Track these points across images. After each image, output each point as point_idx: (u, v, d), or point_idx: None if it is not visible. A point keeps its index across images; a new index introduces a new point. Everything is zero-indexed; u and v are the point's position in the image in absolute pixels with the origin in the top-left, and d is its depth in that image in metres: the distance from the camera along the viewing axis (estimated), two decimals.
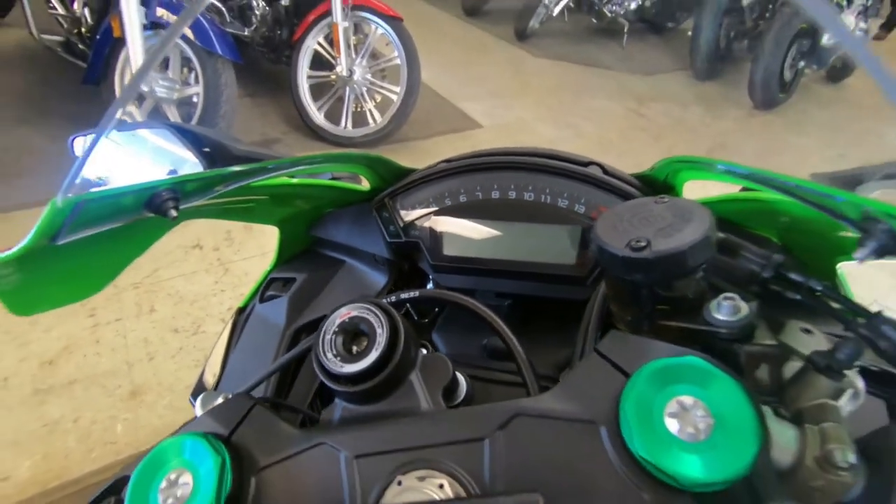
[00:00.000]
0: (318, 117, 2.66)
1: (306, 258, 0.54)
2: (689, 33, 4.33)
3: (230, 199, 0.42)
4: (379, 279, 0.47)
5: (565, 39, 5.03)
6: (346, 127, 2.67)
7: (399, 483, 0.22)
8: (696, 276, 0.29)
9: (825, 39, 3.66)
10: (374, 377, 0.25)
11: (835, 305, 0.27)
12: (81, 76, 2.36)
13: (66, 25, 2.63)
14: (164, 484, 0.23)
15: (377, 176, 0.50)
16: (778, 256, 0.29)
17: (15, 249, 0.28)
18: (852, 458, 0.22)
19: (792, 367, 0.27)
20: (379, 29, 2.58)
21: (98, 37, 2.28)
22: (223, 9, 2.68)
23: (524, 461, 0.22)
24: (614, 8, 4.83)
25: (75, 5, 2.55)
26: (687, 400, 0.21)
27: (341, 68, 2.55)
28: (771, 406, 0.25)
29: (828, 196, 0.29)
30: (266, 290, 0.50)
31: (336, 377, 0.25)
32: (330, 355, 0.26)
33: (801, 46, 3.62)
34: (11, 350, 1.48)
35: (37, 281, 0.32)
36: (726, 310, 0.27)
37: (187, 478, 0.23)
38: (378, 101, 2.73)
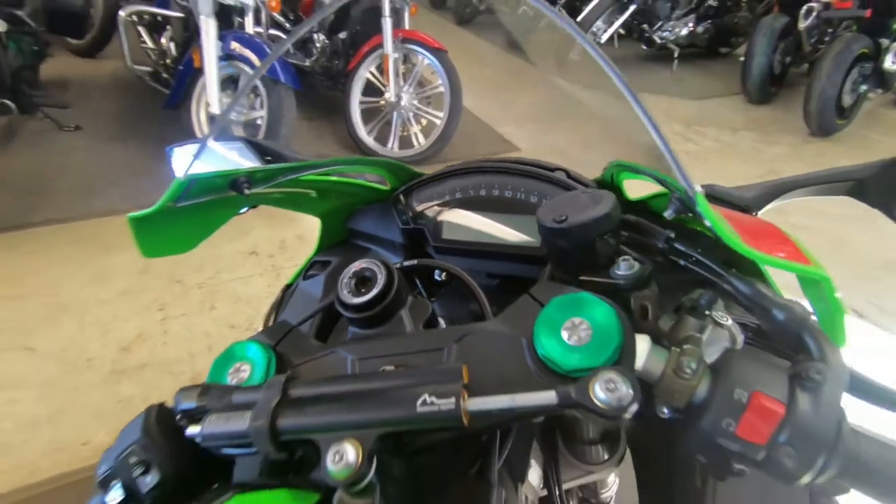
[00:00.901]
0: (368, 139, 2.87)
1: (342, 246, 0.67)
2: (742, 58, 4.28)
3: (285, 190, 0.55)
4: (395, 261, 0.59)
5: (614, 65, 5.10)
6: (392, 148, 2.86)
7: (383, 371, 0.33)
8: (608, 243, 0.39)
9: (888, 63, 3.53)
10: (373, 308, 0.36)
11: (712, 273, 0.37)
12: (164, 101, 2.68)
13: (153, 57, 2.99)
14: (231, 370, 0.36)
15: (396, 178, 0.62)
16: (668, 232, 0.39)
17: (150, 209, 0.42)
18: (694, 366, 0.31)
19: (670, 310, 0.37)
20: (425, 59, 2.77)
21: (181, 67, 2.59)
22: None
23: (468, 362, 0.32)
24: (665, 34, 4.85)
25: (163, 40, 2.91)
26: (577, 320, 0.31)
27: (390, 95, 2.75)
28: (651, 337, 0.34)
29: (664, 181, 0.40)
30: (308, 270, 0.63)
31: (348, 306, 0.37)
32: (345, 292, 0.37)
33: (863, 70, 3.51)
34: (96, 336, 1.71)
35: (161, 232, 0.47)
36: (623, 268, 0.37)
37: (247, 367, 0.35)
38: (423, 124, 2.91)
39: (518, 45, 5.30)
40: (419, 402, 0.29)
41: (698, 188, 0.35)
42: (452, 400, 0.29)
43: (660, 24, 4.86)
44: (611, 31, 4.72)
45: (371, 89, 2.87)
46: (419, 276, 0.54)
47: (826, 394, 0.29)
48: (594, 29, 4.70)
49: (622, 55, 5.28)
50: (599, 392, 0.28)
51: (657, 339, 0.34)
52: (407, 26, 2.84)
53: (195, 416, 0.32)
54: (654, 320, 0.36)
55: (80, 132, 2.75)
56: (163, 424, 0.34)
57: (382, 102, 2.81)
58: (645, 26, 4.89)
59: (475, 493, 0.36)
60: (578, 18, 4.77)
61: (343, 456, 0.28)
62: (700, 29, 4.97)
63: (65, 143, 2.74)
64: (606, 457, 0.52)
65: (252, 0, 2.51)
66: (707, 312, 0.36)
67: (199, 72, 2.44)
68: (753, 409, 0.29)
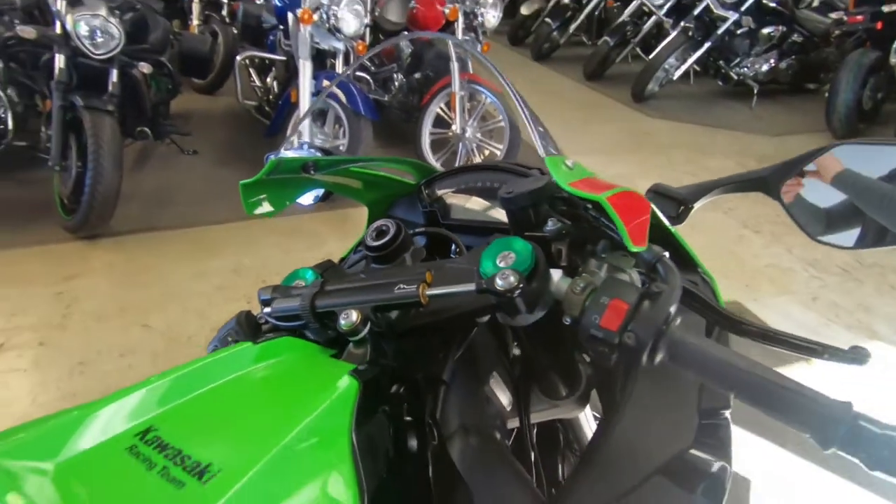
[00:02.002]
0: (437, 167, 3.14)
1: None
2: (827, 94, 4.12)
3: (338, 180, 0.74)
4: (420, 241, 0.78)
5: (687, 101, 5.06)
6: None
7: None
8: (540, 210, 0.53)
9: None
10: (386, 249, 0.53)
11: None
12: (265, 131, 3.14)
13: (259, 94, 3.51)
14: (294, 283, 0.54)
15: (420, 173, 0.81)
16: (589, 206, 0.53)
17: (253, 178, 0.62)
18: (583, 285, 0.44)
19: (586, 254, 0.51)
20: (488, 98, 3.02)
21: (280, 102, 3.04)
22: (370, 80, 3.36)
23: (435, 276, 0.48)
24: (743, 70, 4.77)
25: (268, 79, 3.41)
26: (507, 252, 0.46)
27: (456, 128, 3.01)
28: (563, 270, 0.48)
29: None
30: (357, 248, 0.80)
31: (369, 248, 0.54)
32: (369, 239, 0.55)
33: None
34: (195, 319, 2.06)
35: (258, 197, 0.67)
36: (549, 224, 0.52)
37: (301, 282, 0.54)
38: (485, 154, 3.14)
39: (596, 77, 5.43)
40: (395, 288, 0.47)
41: (543, 153, 0.50)
42: (415, 287, 0.46)
43: (738, 60, 4.79)
44: (684, 67, 4.73)
45: (440, 122, 3.16)
46: (437, 249, 0.71)
47: (661, 300, 0.41)
48: (666, 66, 4.73)
49: (697, 91, 5.23)
50: (499, 280, 0.44)
51: (567, 273, 0.50)
52: (470, 70, 3.12)
53: (268, 303, 0.53)
54: (567, 260, 0.52)
55: (198, 156, 3.27)
56: (247, 320, 0.56)
57: (450, 134, 3.09)
58: (721, 63, 4.84)
59: (432, 382, 0.54)
60: (651, 56, 4.84)
61: (349, 316, 0.47)
62: (783, 65, 4.83)
63: (185, 164, 3.26)
64: (565, 393, 0.65)
65: (343, 45, 2.90)
66: (603, 256, 0.51)
67: (295, 106, 2.85)
68: (611, 308, 0.43)
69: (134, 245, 2.54)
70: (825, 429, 0.35)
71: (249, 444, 0.37)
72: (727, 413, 0.53)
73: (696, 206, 0.68)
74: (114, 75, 2.47)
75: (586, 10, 5.85)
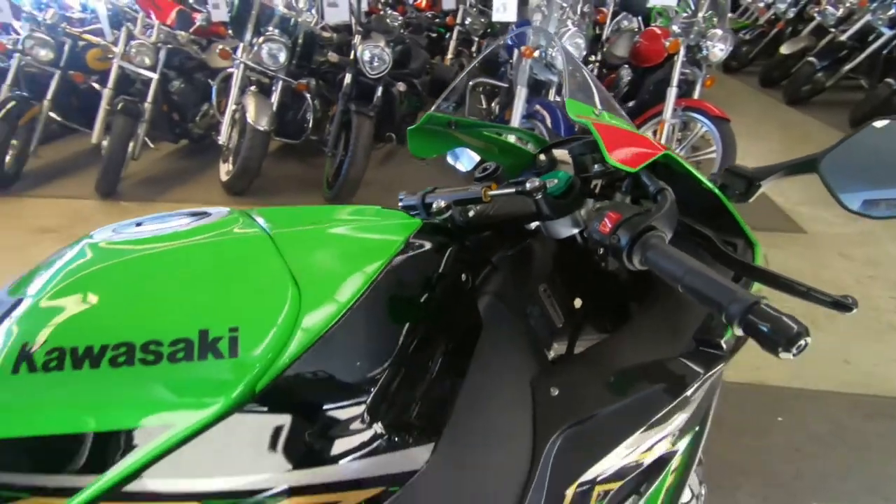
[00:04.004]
0: None
1: None
2: None
3: (474, 140, 0.89)
4: None
5: None
6: None
7: None
8: (590, 157, 0.67)
9: None
10: (488, 180, 0.76)
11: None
12: None
13: (483, 114, 4.06)
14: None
15: (538, 143, 0.95)
16: (599, 165, 0.67)
17: (414, 126, 0.84)
18: (597, 206, 0.60)
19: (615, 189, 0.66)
20: (704, 127, 2.91)
21: (498, 121, 3.49)
22: None
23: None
24: None
25: (493, 103, 3.93)
26: (554, 179, 0.62)
27: None
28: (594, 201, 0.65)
29: None
30: None
31: (476, 179, 0.78)
32: (477, 173, 0.80)
33: None
34: None
35: (419, 143, 0.85)
36: (595, 168, 0.66)
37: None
38: None
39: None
40: (470, 187, 0.70)
41: (567, 96, 0.64)
42: (480, 188, 0.68)
43: None
44: None
45: None
46: None
47: (645, 215, 0.54)
48: None
49: None
50: (528, 185, 0.63)
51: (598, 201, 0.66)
52: (695, 95, 3.05)
53: (401, 200, 0.81)
54: (601, 192, 0.67)
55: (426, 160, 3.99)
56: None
57: None
58: None
59: (483, 262, 0.73)
60: None
61: (438, 203, 0.69)
62: None
63: (415, 166, 3.97)
64: (611, 329, 0.77)
65: (556, 77, 3.20)
66: (625, 191, 0.65)
67: (507, 123, 3.26)
68: (607, 217, 0.56)
69: None
70: (732, 304, 0.45)
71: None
72: (720, 351, 0.62)
73: (764, 185, 0.73)
74: (379, 90, 3.25)
75: (870, 49, 4.97)
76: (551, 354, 0.72)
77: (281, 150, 4.18)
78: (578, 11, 3.43)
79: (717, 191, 0.70)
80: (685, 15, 3.07)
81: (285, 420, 0.42)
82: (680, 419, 0.61)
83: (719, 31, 2.95)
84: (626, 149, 0.59)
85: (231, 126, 3.35)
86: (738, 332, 0.45)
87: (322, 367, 0.44)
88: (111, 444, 0.38)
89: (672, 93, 2.94)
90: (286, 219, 0.58)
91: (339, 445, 0.43)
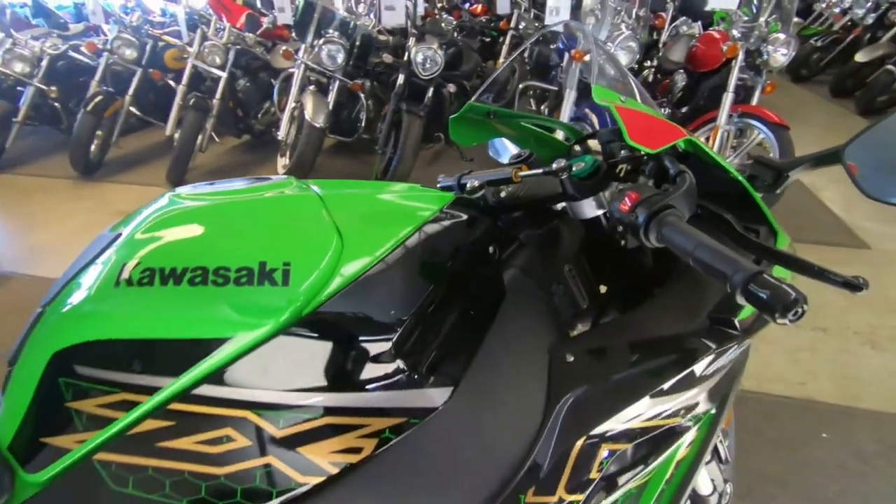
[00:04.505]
0: None
1: None
2: None
3: (511, 130, 0.92)
4: None
5: None
6: None
7: None
8: (618, 143, 0.69)
9: None
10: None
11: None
12: None
13: None
14: None
15: (574, 134, 1.00)
16: (626, 151, 0.69)
17: (456, 114, 0.88)
18: (620, 188, 0.63)
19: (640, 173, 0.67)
20: (761, 134, 2.81)
21: None
22: None
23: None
24: None
25: (542, 106, 3.94)
26: (582, 162, 0.65)
27: None
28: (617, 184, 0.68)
29: None
30: None
31: (509, 164, 0.85)
32: (511, 158, 0.84)
33: None
34: None
35: (459, 131, 0.89)
36: (622, 154, 0.69)
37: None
38: None
39: None
40: (501, 169, 0.75)
41: (594, 82, 0.67)
42: (510, 170, 0.73)
43: None
44: None
45: None
46: None
47: (663, 195, 0.57)
48: None
49: None
50: (554, 165, 0.67)
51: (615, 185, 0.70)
52: (755, 102, 2.96)
53: (440, 182, 0.87)
54: (626, 175, 0.71)
55: (472, 162, 4.04)
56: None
57: None
58: None
59: (510, 239, 0.76)
60: None
61: (472, 183, 0.76)
62: None
63: (460, 168, 4.06)
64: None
65: None
66: (648, 174, 0.68)
67: None
68: (627, 196, 0.60)
69: None
70: (736, 274, 0.48)
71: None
72: (734, 331, 0.64)
73: (792, 175, 0.74)
74: (430, 91, 3.34)
75: None
76: (573, 334, 0.76)
77: (334, 146, 4.36)
78: (633, 15, 3.40)
79: (741, 178, 0.71)
80: (746, 18, 2.98)
81: (322, 346, 0.49)
82: (690, 394, 0.64)
83: (782, 36, 2.84)
84: (647, 131, 0.62)
85: (290, 122, 3.54)
86: (742, 301, 0.47)
87: (356, 306, 0.51)
88: (186, 352, 0.46)
89: (728, 98, 2.86)
90: (335, 185, 0.65)
91: (368, 374, 0.50)
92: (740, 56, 2.89)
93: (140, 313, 0.47)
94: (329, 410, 0.48)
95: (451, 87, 3.48)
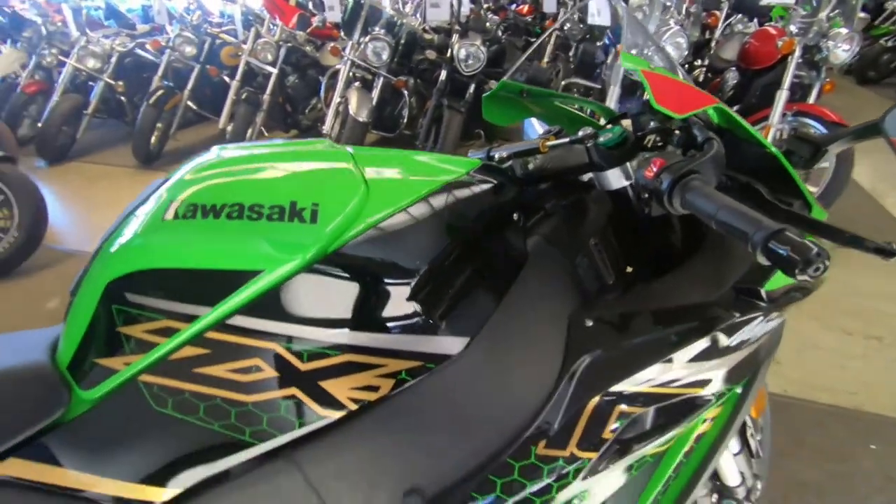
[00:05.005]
0: None
1: None
2: None
3: (543, 110, 0.92)
4: None
5: None
6: None
7: None
8: (648, 116, 0.68)
9: None
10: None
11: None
12: None
13: None
14: None
15: (606, 114, 1.00)
16: (655, 123, 0.69)
17: (489, 92, 0.90)
18: (646, 157, 0.64)
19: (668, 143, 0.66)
20: (817, 134, 2.68)
21: None
22: None
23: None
24: None
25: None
26: (609, 133, 0.66)
27: None
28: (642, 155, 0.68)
29: None
30: None
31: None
32: (544, 133, 0.84)
33: None
34: None
35: (493, 109, 0.89)
36: (651, 125, 0.68)
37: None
38: None
39: None
40: (528, 141, 0.76)
41: (623, 49, 0.66)
42: (539, 141, 0.74)
43: None
44: None
45: None
46: None
47: (688, 160, 0.57)
48: None
49: None
50: (581, 132, 0.68)
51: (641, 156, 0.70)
52: (812, 101, 2.82)
53: (470, 155, 0.89)
54: (654, 145, 0.70)
55: None
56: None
57: None
58: None
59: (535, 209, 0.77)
60: None
61: (500, 154, 0.78)
62: None
63: None
64: None
65: None
66: (673, 145, 0.68)
67: None
68: (653, 163, 0.60)
69: None
70: (757, 233, 0.48)
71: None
72: (760, 303, 0.63)
73: (831, 150, 0.72)
74: (471, 87, 3.37)
75: None
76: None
77: (376, 143, 4.45)
78: (683, 11, 3.31)
79: (778, 153, 0.70)
80: (804, 13, 2.84)
81: (344, 286, 0.52)
82: (711, 364, 0.63)
83: (844, 31, 2.70)
84: (675, 96, 0.62)
85: (335, 117, 3.65)
86: (763, 260, 0.47)
87: (377, 251, 0.54)
88: (222, 282, 0.50)
89: (782, 96, 2.73)
90: (367, 149, 0.69)
91: (386, 314, 0.52)
92: (797, 52, 2.76)
93: (182, 244, 0.52)
94: (349, 348, 0.51)
95: (493, 84, 3.49)
